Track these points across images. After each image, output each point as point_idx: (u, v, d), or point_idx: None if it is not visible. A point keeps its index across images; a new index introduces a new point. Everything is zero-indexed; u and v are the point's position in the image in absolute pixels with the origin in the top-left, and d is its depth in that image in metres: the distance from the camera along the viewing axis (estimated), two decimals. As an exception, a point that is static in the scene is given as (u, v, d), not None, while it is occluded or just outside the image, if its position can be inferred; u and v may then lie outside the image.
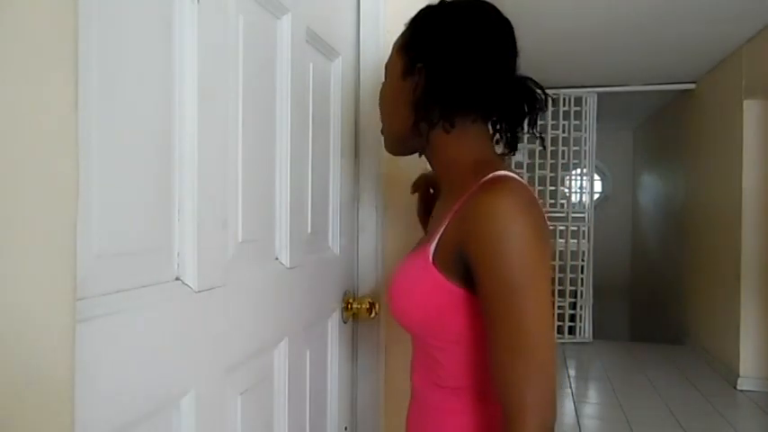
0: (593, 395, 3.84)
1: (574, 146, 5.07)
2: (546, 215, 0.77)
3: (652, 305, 6.49)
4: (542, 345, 0.69)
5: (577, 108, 5.04)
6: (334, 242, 1.21)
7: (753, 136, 3.81)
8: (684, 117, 5.22)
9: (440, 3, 0.85)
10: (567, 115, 5.02)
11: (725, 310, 4.08)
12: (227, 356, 0.78)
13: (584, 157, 5.10)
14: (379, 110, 0.92)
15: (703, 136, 4.71)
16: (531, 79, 0.82)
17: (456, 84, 0.78)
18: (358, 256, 1.31)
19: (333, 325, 1.20)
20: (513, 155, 0.88)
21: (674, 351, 4.82)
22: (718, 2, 3.07)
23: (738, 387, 3.79)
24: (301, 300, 1.04)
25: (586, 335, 5.01)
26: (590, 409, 3.56)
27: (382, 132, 0.93)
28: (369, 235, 1.30)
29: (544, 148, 4.81)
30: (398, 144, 0.91)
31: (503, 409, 0.70)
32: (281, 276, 0.96)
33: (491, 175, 0.74)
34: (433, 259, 0.76)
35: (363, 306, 1.24)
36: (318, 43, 1.10)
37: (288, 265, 0.97)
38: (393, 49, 0.89)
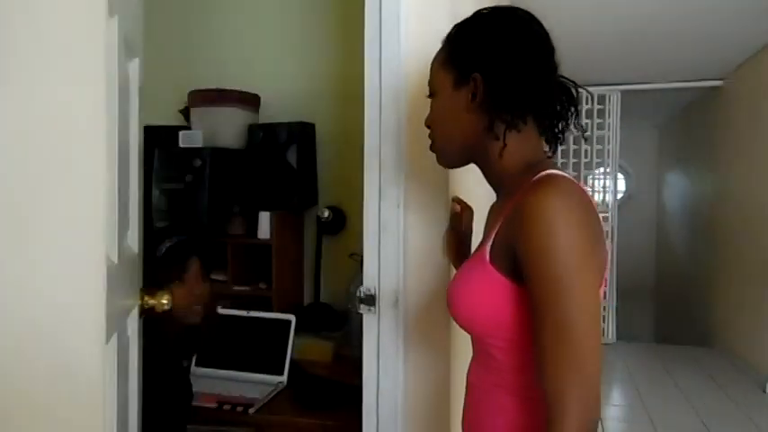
0: (616, 397, 3.79)
1: (597, 144, 5.00)
2: (599, 213, 0.78)
3: (678, 306, 6.37)
4: (585, 342, 0.68)
5: (600, 106, 4.97)
6: (132, 239, 1.20)
7: (783, 133, 3.72)
8: (712, 115, 5.11)
9: (475, 15, 0.88)
10: (590, 113, 4.95)
11: (753, 311, 3.98)
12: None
13: (608, 156, 5.03)
14: (430, 128, 0.94)
15: (732, 134, 4.60)
16: (563, 76, 0.86)
17: (516, 84, 0.81)
18: (380, 255, 1.30)
19: (131, 321, 1.16)
20: (554, 153, 0.90)
21: (700, 353, 4.72)
22: (747, -5, 3.00)
23: (767, 390, 3.70)
24: (120, 296, 1.04)
25: (610, 336, 4.94)
26: (614, 411, 3.51)
27: (432, 149, 0.95)
28: (391, 234, 1.29)
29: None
30: (457, 155, 0.93)
31: (546, 404, 0.70)
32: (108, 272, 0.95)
33: (541, 174, 0.77)
34: (490, 258, 0.78)
35: (160, 301, 1.23)
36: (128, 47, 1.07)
37: (116, 261, 0.97)
38: (434, 66, 0.92)
